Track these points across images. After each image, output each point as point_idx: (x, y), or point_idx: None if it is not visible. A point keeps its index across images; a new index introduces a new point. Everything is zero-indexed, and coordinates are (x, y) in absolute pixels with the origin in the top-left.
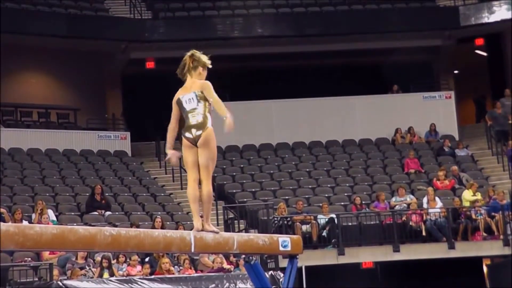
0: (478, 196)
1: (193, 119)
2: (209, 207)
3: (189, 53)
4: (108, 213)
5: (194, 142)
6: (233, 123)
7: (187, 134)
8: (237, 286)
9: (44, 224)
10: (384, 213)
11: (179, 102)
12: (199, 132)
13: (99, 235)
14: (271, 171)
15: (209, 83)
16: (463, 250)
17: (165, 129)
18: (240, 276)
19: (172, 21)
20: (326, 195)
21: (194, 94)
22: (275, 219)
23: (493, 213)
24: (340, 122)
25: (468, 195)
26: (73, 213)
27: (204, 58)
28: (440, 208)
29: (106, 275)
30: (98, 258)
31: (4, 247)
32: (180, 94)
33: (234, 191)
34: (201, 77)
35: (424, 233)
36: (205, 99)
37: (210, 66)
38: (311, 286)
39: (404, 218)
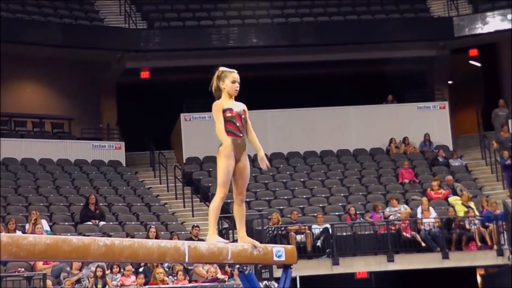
0: (472, 204)
1: None
2: (210, 220)
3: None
4: (102, 223)
5: None
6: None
7: None
8: None
9: (38, 234)
10: (378, 223)
11: None
12: None
13: (93, 245)
14: (266, 181)
15: (213, 106)
16: (457, 260)
17: (159, 139)
18: (235, 286)
19: (167, 31)
20: (321, 205)
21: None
22: (270, 229)
23: (487, 223)
24: (334, 132)
25: (454, 200)
26: (67, 223)
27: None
28: (434, 218)
29: (99, 286)
30: (92, 268)
31: None
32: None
33: (229, 201)
34: (224, 90)
35: (420, 241)
36: (216, 119)
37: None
38: None
39: (397, 226)
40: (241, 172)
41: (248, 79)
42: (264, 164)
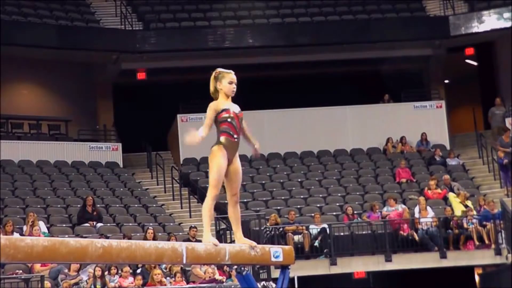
0: (469, 203)
1: None
2: (204, 220)
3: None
4: (99, 224)
5: None
6: (188, 140)
7: None
8: None
9: (35, 236)
10: (375, 222)
11: None
12: None
13: (90, 247)
14: (263, 181)
15: (209, 106)
16: (455, 259)
17: (156, 140)
18: (232, 287)
19: (163, 32)
20: (318, 205)
21: None
22: (267, 229)
23: (484, 222)
24: (331, 132)
25: (452, 197)
26: (64, 225)
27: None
28: (431, 217)
29: (98, 286)
30: (90, 269)
31: None
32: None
33: (226, 201)
34: (221, 91)
35: (417, 239)
36: (216, 122)
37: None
38: None
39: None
40: (235, 173)
41: (244, 79)
42: (258, 152)
